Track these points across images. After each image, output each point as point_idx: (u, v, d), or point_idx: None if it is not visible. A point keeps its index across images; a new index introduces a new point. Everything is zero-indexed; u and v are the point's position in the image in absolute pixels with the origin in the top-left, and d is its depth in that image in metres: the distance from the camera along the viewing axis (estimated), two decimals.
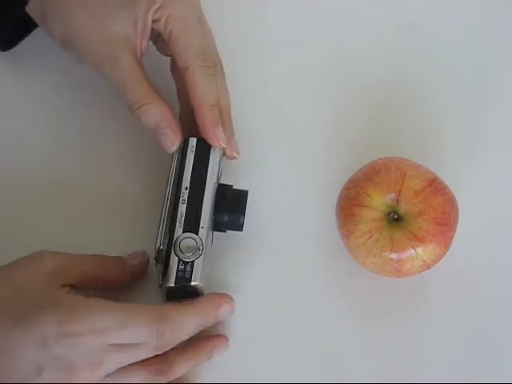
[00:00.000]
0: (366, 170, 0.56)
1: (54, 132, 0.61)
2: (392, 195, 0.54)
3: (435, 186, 0.54)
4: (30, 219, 0.59)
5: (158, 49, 0.59)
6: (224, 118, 0.56)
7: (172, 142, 0.55)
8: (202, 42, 0.56)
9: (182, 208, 0.53)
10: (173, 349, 0.51)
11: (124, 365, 0.49)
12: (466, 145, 0.61)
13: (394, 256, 0.53)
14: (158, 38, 0.57)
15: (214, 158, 0.55)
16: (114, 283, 0.54)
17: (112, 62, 0.54)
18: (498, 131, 0.62)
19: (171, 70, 0.59)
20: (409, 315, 0.58)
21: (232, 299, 0.55)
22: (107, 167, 0.60)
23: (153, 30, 0.56)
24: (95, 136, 0.61)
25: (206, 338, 0.54)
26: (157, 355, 0.50)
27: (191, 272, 0.52)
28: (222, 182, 0.56)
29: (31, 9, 0.56)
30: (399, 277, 0.55)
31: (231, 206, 0.54)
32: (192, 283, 0.52)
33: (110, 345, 0.48)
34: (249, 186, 0.57)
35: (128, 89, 0.54)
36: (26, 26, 0.58)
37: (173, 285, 0.52)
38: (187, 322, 0.51)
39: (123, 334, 0.48)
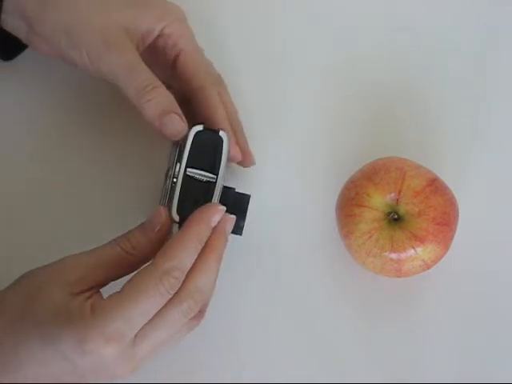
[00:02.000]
0: (366, 169, 0.56)
1: (55, 137, 0.61)
2: (392, 195, 0.54)
3: (435, 186, 0.54)
4: (30, 219, 0.59)
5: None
6: (239, 127, 0.58)
7: (181, 127, 0.52)
8: (206, 61, 0.57)
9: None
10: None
11: (157, 342, 0.48)
12: (465, 145, 0.61)
13: (394, 256, 0.53)
14: (148, 51, 0.55)
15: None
16: (142, 261, 0.50)
17: (116, 46, 0.52)
18: (497, 131, 0.62)
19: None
20: (409, 315, 0.58)
21: (220, 205, 0.51)
22: (107, 170, 0.60)
23: (152, 42, 0.55)
24: (95, 139, 0.61)
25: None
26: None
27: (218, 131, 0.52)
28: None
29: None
30: (399, 277, 0.55)
31: (232, 209, 0.53)
32: (220, 133, 0.52)
33: (135, 336, 0.46)
34: (249, 186, 0.57)
35: (137, 71, 0.52)
36: None
37: (201, 128, 0.51)
38: (185, 260, 0.48)
39: (137, 321, 0.46)
